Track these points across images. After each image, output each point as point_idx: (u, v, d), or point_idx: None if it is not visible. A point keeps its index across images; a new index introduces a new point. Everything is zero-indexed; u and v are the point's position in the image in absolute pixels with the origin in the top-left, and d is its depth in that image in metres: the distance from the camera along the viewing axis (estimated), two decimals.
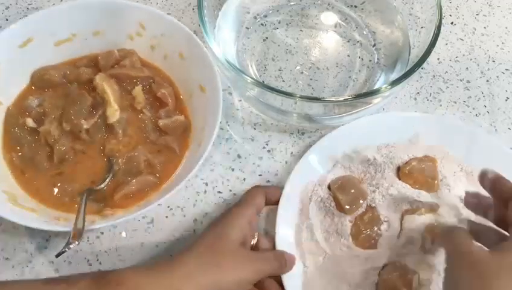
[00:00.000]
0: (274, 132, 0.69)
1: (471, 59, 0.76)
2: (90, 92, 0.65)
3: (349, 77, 0.71)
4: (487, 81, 0.74)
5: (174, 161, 0.63)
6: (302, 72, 0.71)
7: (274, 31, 0.74)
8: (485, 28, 0.79)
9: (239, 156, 0.67)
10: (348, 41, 0.73)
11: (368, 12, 0.75)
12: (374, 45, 0.73)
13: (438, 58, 0.76)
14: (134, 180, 0.61)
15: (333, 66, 0.72)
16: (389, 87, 0.58)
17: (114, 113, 0.64)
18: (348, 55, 0.72)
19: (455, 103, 0.73)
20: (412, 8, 0.70)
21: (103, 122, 0.64)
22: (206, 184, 0.65)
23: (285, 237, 0.59)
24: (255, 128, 0.69)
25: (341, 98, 0.58)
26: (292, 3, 0.76)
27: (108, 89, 0.64)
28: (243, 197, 0.59)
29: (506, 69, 0.76)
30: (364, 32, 0.74)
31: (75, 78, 0.67)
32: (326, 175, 0.64)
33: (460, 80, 0.74)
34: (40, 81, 0.66)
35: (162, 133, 0.65)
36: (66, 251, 0.51)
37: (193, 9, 0.78)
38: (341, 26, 0.75)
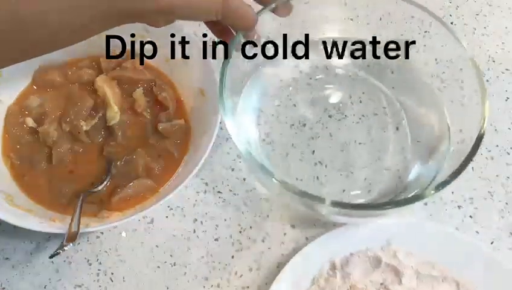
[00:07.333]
0: None
1: None
2: (91, 94, 0.65)
3: (381, 165, 0.64)
4: (487, 81, 0.74)
5: (172, 165, 0.63)
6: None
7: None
8: (485, 28, 0.79)
9: (239, 156, 0.67)
10: (383, 130, 0.66)
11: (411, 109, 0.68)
12: (410, 134, 0.66)
13: (436, 59, 0.76)
14: (131, 184, 0.60)
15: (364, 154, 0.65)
16: (433, 192, 0.51)
17: (114, 115, 0.64)
18: (381, 142, 0.66)
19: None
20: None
21: (103, 124, 0.64)
22: (206, 184, 0.65)
23: None
24: None
25: (377, 203, 0.54)
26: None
27: (109, 91, 0.65)
28: None
29: (506, 69, 0.75)
30: (403, 123, 0.67)
31: (77, 79, 0.67)
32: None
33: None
34: (41, 81, 0.67)
35: (161, 137, 0.64)
36: (59, 253, 0.52)
37: None
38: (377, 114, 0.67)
